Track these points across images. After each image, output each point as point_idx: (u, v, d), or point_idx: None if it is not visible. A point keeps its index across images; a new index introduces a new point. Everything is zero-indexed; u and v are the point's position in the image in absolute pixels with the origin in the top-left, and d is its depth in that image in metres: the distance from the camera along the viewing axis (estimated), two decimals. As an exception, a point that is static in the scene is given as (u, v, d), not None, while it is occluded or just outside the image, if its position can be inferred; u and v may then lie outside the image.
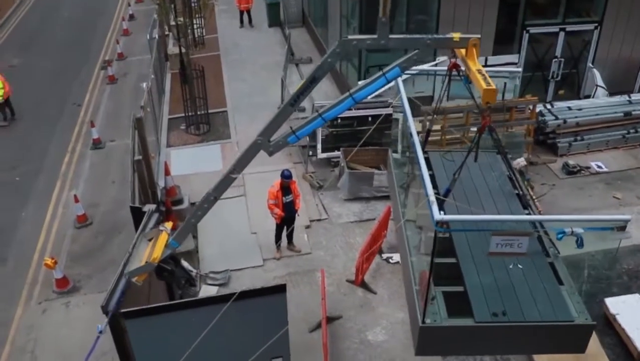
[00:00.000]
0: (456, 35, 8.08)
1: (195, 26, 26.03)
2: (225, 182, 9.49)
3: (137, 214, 11.60)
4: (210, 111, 20.49)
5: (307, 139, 17.57)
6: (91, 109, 23.58)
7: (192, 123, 20.25)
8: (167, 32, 26.86)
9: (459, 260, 9.14)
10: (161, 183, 15.28)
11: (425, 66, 18.49)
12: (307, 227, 15.73)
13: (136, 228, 11.28)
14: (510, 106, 16.27)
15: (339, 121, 16.97)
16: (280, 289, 9.76)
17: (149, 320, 9.29)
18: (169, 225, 10.89)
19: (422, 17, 20.27)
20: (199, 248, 14.92)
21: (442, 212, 7.71)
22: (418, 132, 16.84)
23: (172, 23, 22.94)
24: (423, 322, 8.37)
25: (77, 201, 16.72)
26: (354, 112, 16.73)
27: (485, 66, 18.86)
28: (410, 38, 8.64)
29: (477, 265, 9.02)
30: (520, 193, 10.68)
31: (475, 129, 16.28)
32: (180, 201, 15.62)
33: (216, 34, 29.19)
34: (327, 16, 24.57)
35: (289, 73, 22.89)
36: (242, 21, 30.17)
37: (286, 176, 13.94)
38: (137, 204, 11.99)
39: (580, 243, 8.36)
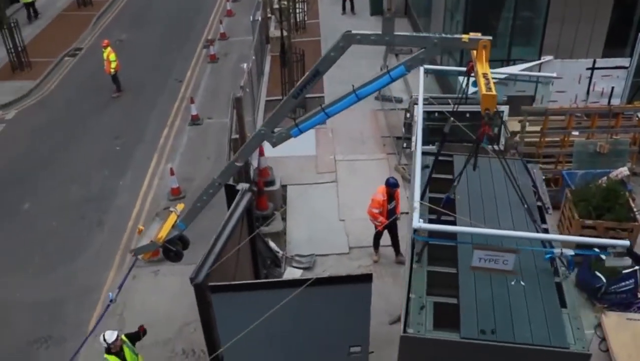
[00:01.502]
0: (466, 36, 7.81)
1: (297, 10, 26.31)
2: (230, 169, 9.78)
3: (231, 192, 11.80)
4: (307, 96, 20.50)
5: (403, 130, 17.38)
6: (192, 85, 24.22)
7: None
8: (269, 15, 27.19)
9: (459, 271, 8.75)
10: (255, 163, 15.49)
11: (527, 65, 18.06)
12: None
13: (228, 206, 11.48)
14: (616, 112, 15.56)
15: (437, 114, 16.66)
16: (366, 278, 9.65)
17: (234, 295, 9.43)
18: (180, 207, 11.05)
19: (529, 14, 19.65)
20: (287, 231, 15.06)
21: (421, 220, 7.56)
22: (516, 133, 16.56)
23: (275, 6, 23.19)
24: (404, 331, 8.10)
25: (172, 174, 17.23)
26: (452, 107, 16.37)
27: (593, 68, 18.14)
28: (417, 36, 8.45)
29: (477, 278, 8.56)
30: (543, 205, 10.16)
31: (576, 133, 15.88)
32: (272, 183, 15.79)
33: (318, 19, 29.26)
34: (430, 7, 24.17)
35: (389, 63, 22.71)
36: (344, 8, 30.10)
37: (392, 185, 13.53)
38: (231, 182, 12.19)
39: (570, 265, 8.01)
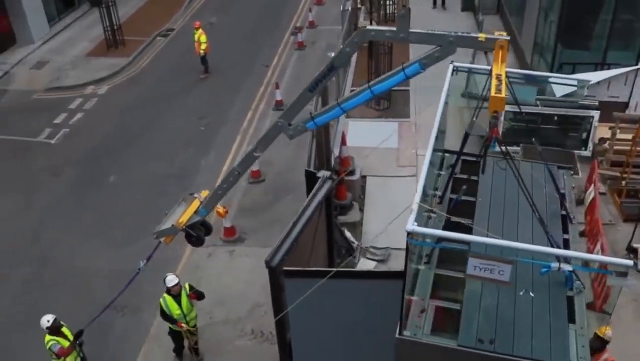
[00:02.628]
0: (482, 35, 7.55)
1: (388, 2, 26.08)
2: (248, 159, 9.92)
3: (311, 179, 11.80)
4: (394, 89, 20.35)
5: (487, 130, 16.95)
6: (278, 71, 24.42)
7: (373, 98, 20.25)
8: (359, 5, 27.06)
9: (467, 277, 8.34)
10: (336, 152, 15.48)
11: (622, 71, 17.28)
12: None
13: (308, 192, 11.49)
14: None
15: (523, 115, 16.18)
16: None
17: (307, 281, 9.43)
18: (203, 193, 11.12)
19: (629, 17, 18.85)
20: (363, 221, 15.00)
21: (415, 223, 7.22)
22: (605, 140, 15.90)
23: (365, -3, 23.07)
24: (400, 333, 7.91)
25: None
26: (540, 109, 15.92)
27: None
28: (432, 34, 8.00)
29: (484, 285, 8.14)
30: (567, 214, 9.68)
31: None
32: (352, 172, 15.76)
33: (407, 12, 28.90)
34: (524, 5, 23.51)
35: (477, 60, 22.22)
36: (435, 2, 29.66)
37: None
38: (312, 169, 12.20)
39: (569, 282, 7.51)
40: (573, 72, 18.30)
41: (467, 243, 7.58)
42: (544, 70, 19.58)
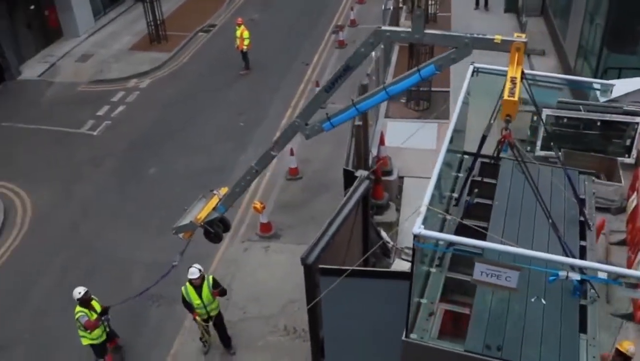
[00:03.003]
0: (498, 37, 7.39)
1: (430, 2, 25.91)
2: (266, 158, 9.95)
3: (349, 178, 11.82)
4: (432, 89, 20.29)
5: (528, 133, 16.77)
6: (318, 69, 24.45)
7: (413, 98, 20.19)
8: (401, 5, 26.97)
9: None
10: (374, 152, 15.47)
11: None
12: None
13: (345, 191, 11.51)
14: None
15: (565, 120, 15.97)
16: (476, 281, 9.37)
17: (342, 280, 9.45)
18: (223, 191, 11.12)
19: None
20: (399, 222, 14.95)
21: (422, 226, 7.11)
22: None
23: (408, -4, 22.96)
24: (407, 336, 7.93)
25: (292, 154, 17.50)
26: (582, 114, 15.66)
27: None
28: (448, 35, 7.91)
29: (495, 290, 8.00)
30: (585, 220, 9.50)
31: None
32: (389, 173, 15.73)
33: (450, 13, 28.74)
34: (569, 8, 23.12)
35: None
36: (477, 3, 29.37)
37: None
38: (350, 168, 12.21)
39: (576, 291, 7.25)
40: (619, 76, 17.89)
41: (476, 248, 7.52)
42: (588, 75, 19.24)
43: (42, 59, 27.20)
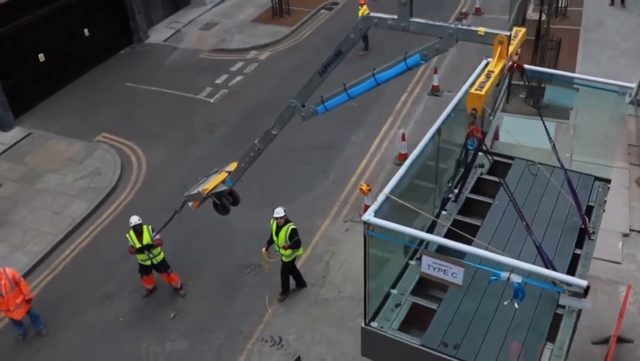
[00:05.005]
0: (482, 30, 7.06)
1: (561, -5, 24.84)
2: (267, 136, 10.31)
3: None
4: (513, 82, 19.42)
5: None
6: (437, 57, 23.90)
7: (533, 94, 19.45)
8: (530, -5, 26.00)
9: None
10: (487, 145, 15.03)
11: None
12: (625, 235, 14.42)
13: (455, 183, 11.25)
14: None
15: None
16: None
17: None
18: (232, 166, 11.45)
19: None
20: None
21: (373, 214, 7.16)
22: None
23: (539, -13, 22.04)
24: (366, 323, 8.10)
25: (403, 139, 17.32)
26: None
27: None
28: (433, 25, 7.61)
29: (471, 289, 7.86)
30: (586, 228, 9.17)
31: None
32: (500, 168, 15.24)
33: (581, 7, 27.41)
34: None
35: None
36: (612, -1, 27.89)
37: None
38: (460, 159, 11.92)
39: (518, 295, 6.67)
40: None
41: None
42: None
43: (168, 24, 28.22)
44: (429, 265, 7.19)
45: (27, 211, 17.05)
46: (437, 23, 7.63)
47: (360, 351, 8.62)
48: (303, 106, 9.44)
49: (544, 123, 9.15)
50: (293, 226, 12.93)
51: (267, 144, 10.50)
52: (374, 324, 8.17)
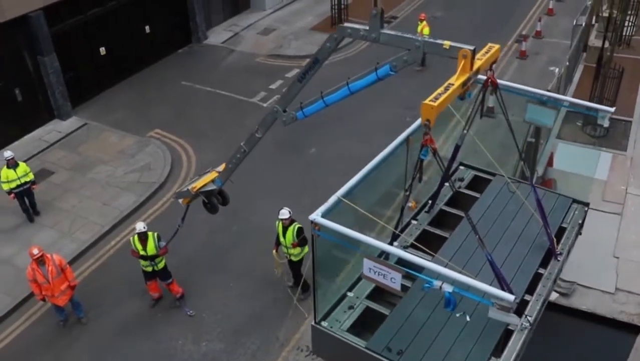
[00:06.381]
0: (447, 43, 7.18)
1: (626, 22, 24.29)
2: (252, 139, 10.56)
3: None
4: (613, 116, 19.02)
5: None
6: (495, 76, 23.62)
7: (590, 123, 19.09)
8: (593, 23, 25.48)
9: (413, 286, 8.48)
10: (540, 171, 14.79)
11: None
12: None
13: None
14: None
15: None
16: (631, 328, 8.85)
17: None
18: (221, 167, 11.81)
19: None
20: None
21: (320, 214, 7.43)
22: None
23: (603, 14, 21.61)
24: (316, 322, 8.42)
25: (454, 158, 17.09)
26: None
27: None
28: (401, 37, 7.76)
29: (426, 298, 8.12)
30: (554, 249, 9.31)
31: None
32: (552, 196, 14.95)
33: (648, 38, 26.80)
34: None
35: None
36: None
37: None
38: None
39: (449, 305, 6.62)
40: None
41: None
42: None
43: (227, 27, 28.57)
44: (370, 268, 7.37)
45: (77, 199, 17.39)
46: (405, 35, 7.82)
47: (312, 348, 9.00)
48: (284, 111, 9.72)
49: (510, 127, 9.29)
50: (299, 225, 13.19)
51: (253, 146, 10.85)
52: (324, 323, 8.47)
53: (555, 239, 9.52)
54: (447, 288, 6.61)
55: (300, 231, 13.15)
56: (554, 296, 13.03)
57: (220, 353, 12.97)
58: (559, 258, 9.50)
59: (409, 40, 7.64)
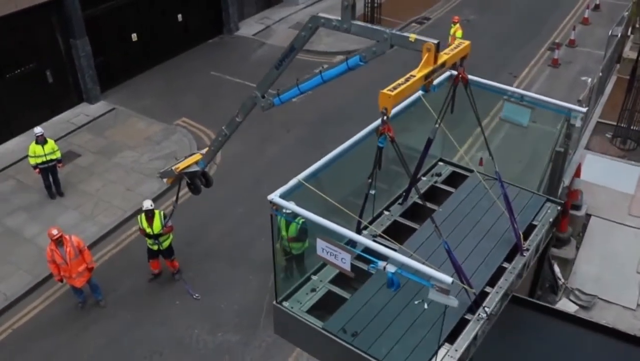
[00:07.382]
0: (413, 36, 7.32)
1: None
2: (232, 123, 10.78)
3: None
4: (644, 131, 18.81)
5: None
6: (525, 84, 23.53)
7: (620, 135, 18.82)
8: (629, 34, 25.12)
9: (374, 272, 8.35)
10: (566, 181, 14.59)
11: None
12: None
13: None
14: None
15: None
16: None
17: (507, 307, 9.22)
18: (205, 150, 12.12)
19: None
20: (576, 261, 14.06)
21: (279, 195, 7.79)
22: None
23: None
24: (277, 302, 8.64)
25: (481, 164, 16.92)
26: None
27: None
28: (370, 28, 7.95)
29: (385, 284, 7.66)
30: (520, 245, 9.42)
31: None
32: (578, 207, 14.76)
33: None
34: None
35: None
36: None
37: None
38: (541, 193, 11.66)
39: (392, 285, 6.75)
40: None
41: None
42: None
43: (259, 19, 28.61)
44: (323, 249, 7.47)
45: (101, 183, 17.54)
46: (374, 27, 7.96)
47: (274, 328, 9.18)
48: (263, 97, 9.89)
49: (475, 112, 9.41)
50: (302, 219, 13.01)
51: (234, 130, 11.07)
52: (285, 304, 8.67)
53: (522, 236, 9.62)
54: (390, 269, 6.80)
55: (303, 224, 13.12)
56: (573, 308, 12.89)
57: (235, 345, 13.01)
58: (524, 254, 9.58)
59: (378, 32, 7.76)
